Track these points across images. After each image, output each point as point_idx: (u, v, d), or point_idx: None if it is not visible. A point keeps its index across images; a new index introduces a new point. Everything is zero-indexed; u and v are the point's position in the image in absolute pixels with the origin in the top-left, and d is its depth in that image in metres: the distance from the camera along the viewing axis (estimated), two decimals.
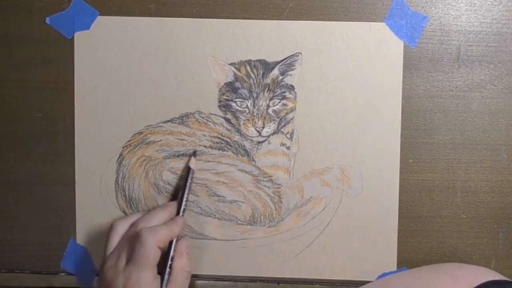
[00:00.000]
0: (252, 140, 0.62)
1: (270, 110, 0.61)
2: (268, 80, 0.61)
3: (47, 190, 0.64)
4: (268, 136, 0.62)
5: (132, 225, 0.57)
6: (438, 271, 0.57)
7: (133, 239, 0.55)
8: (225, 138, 0.62)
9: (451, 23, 0.60)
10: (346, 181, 0.62)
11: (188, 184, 0.60)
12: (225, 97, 0.62)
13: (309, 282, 0.63)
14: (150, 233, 0.54)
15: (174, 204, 0.59)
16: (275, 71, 0.61)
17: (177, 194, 0.62)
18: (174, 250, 0.57)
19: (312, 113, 0.61)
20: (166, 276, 0.56)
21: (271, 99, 0.61)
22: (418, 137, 0.61)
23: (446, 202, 0.62)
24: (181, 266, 0.56)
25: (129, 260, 0.54)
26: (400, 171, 0.61)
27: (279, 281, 0.63)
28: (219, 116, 0.62)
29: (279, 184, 0.62)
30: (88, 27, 0.62)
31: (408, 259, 0.62)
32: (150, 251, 0.54)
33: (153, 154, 0.63)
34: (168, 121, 0.62)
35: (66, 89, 0.63)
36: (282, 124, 0.62)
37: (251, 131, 0.62)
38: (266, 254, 0.63)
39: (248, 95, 0.61)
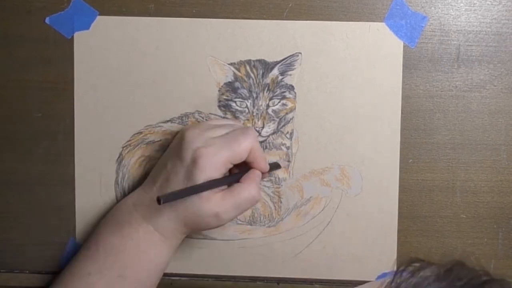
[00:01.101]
0: None
1: (269, 110, 0.61)
2: (268, 80, 0.61)
3: (47, 190, 0.64)
4: (268, 136, 0.62)
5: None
6: None
7: (238, 129, 0.56)
8: None
9: (450, 23, 0.60)
10: (346, 181, 0.62)
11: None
12: (224, 97, 0.62)
13: (309, 282, 0.63)
14: (255, 136, 0.55)
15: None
16: (275, 71, 0.61)
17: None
18: (248, 173, 0.56)
19: (312, 113, 0.61)
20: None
21: (270, 99, 0.61)
22: (418, 137, 0.61)
23: (445, 202, 0.62)
24: (251, 189, 0.55)
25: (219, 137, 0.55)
26: (400, 171, 0.61)
27: (278, 281, 0.63)
28: (219, 116, 0.62)
29: (278, 184, 0.62)
30: (87, 27, 0.62)
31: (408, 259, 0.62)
32: (244, 144, 0.54)
33: (153, 154, 0.63)
34: (168, 121, 0.62)
35: (66, 89, 0.63)
36: (282, 124, 0.62)
37: None
38: (266, 254, 0.63)
39: (247, 95, 0.61)
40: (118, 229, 0.57)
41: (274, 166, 0.61)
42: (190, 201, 0.53)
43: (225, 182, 0.55)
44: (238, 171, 0.57)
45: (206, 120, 0.62)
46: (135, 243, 0.56)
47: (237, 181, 0.56)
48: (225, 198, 0.54)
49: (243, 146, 0.54)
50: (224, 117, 0.62)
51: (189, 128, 0.56)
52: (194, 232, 0.60)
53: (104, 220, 0.60)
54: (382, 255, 0.62)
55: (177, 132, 0.60)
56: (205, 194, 0.53)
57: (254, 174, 0.56)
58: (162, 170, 0.56)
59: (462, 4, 0.60)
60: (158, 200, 0.50)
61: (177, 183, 0.54)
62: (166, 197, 0.51)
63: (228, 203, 0.54)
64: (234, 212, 0.55)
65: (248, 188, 0.55)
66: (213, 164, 0.53)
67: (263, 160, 0.57)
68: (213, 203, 0.53)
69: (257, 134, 0.56)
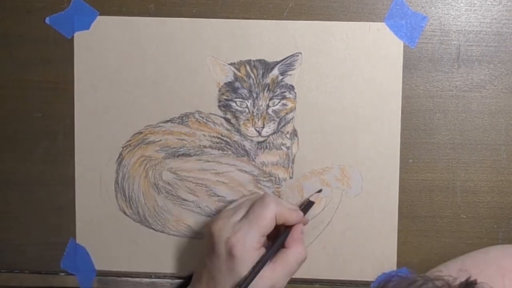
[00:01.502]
0: (252, 140, 0.62)
1: (270, 110, 0.61)
2: (268, 80, 0.61)
3: (47, 190, 0.64)
4: (268, 136, 0.62)
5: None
6: (486, 264, 0.56)
7: (255, 201, 0.56)
8: (225, 138, 0.62)
9: (451, 23, 0.60)
10: (346, 181, 0.62)
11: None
12: (225, 97, 0.62)
13: (309, 282, 0.63)
14: (275, 201, 0.55)
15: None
16: (275, 71, 0.61)
17: None
18: (290, 234, 0.57)
19: (312, 113, 0.61)
20: (270, 251, 0.55)
21: (271, 99, 0.61)
22: (418, 137, 0.61)
23: (446, 202, 0.62)
24: (297, 250, 0.56)
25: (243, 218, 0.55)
26: (400, 171, 0.61)
27: None
28: (219, 116, 0.62)
29: (279, 184, 0.62)
30: (87, 27, 0.62)
31: (408, 259, 0.62)
32: (268, 215, 0.54)
33: (153, 154, 0.63)
34: (168, 121, 0.62)
35: (66, 89, 0.63)
36: (282, 124, 0.62)
37: (251, 131, 0.62)
38: None
39: (248, 95, 0.61)
40: None
41: (308, 205, 0.61)
42: None
43: (269, 258, 0.55)
44: (277, 234, 0.57)
45: (207, 120, 0.62)
46: None
47: (282, 246, 0.57)
48: (276, 270, 0.55)
49: (268, 218, 0.55)
50: (224, 117, 0.62)
51: (213, 221, 0.56)
52: None
53: None
54: (382, 255, 0.62)
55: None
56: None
57: (296, 233, 0.57)
58: (203, 270, 0.56)
59: (462, 4, 0.60)
60: None
61: (224, 279, 0.54)
62: None
63: (280, 273, 0.55)
64: (287, 277, 0.56)
65: (295, 252, 0.56)
66: (248, 248, 0.54)
67: (292, 216, 0.57)
68: (266, 278, 0.54)
69: (275, 197, 0.57)
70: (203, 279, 0.56)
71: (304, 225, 0.59)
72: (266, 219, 0.54)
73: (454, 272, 0.54)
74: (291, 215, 0.57)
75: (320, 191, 0.61)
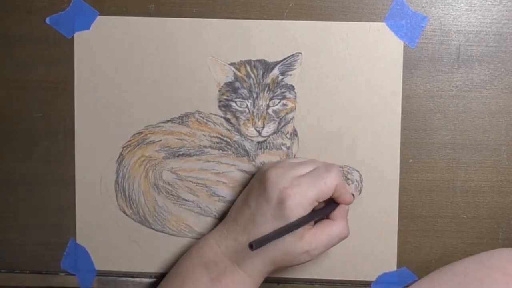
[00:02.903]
0: (252, 140, 0.62)
1: (270, 110, 0.61)
2: (268, 80, 0.61)
3: (47, 190, 0.64)
4: (268, 136, 0.62)
5: None
6: (490, 267, 0.55)
7: (321, 166, 0.56)
8: (225, 138, 0.62)
9: (451, 23, 0.60)
10: (346, 181, 0.62)
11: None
12: (225, 97, 0.62)
13: (309, 282, 0.63)
14: (340, 173, 0.55)
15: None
16: (275, 71, 0.61)
17: None
18: (337, 208, 0.57)
19: (312, 113, 0.61)
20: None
21: (271, 99, 0.61)
22: (418, 137, 0.61)
23: (446, 202, 0.62)
24: (343, 225, 0.56)
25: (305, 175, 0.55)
26: (400, 171, 0.61)
27: (279, 281, 0.63)
28: (219, 116, 0.62)
29: None
30: (88, 27, 0.62)
31: (408, 259, 0.62)
32: (331, 182, 0.54)
33: (153, 154, 0.63)
34: (168, 121, 0.62)
35: (66, 89, 0.63)
36: (282, 124, 0.62)
37: (251, 131, 0.62)
38: None
39: (248, 95, 0.61)
40: (205, 272, 0.56)
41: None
42: (282, 240, 0.53)
43: (313, 218, 0.55)
44: (324, 205, 0.57)
45: (207, 120, 0.62)
46: (223, 285, 0.55)
47: (326, 216, 0.57)
48: (317, 236, 0.55)
49: (329, 184, 0.54)
50: (224, 117, 0.62)
51: (271, 167, 0.56)
52: (281, 268, 0.59)
53: (188, 259, 0.58)
54: (382, 255, 0.62)
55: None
56: (298, 232, 0.54)
57: (344, 211, 0.57)
58: (245, 210, 0.56)
59: (462, 4, 0.60)
60: (251, 246, 0.50)
61: (265, 224, 0.54)
62: (259, 242, 0.51)
63: (320, 240, 0.55)
64: (324, 248, 0.55)
65: (339, 226, 0.56)
66: (301, 204, 0.53)
67: (348, 194, 0.57)
68: (306, 240, 0.54)
69: (340, 170, 0.57)
70: (242, 219, 0.56)
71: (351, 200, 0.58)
72: (327, 185, 0.54)
73: (460, 276, 0.54)
74: (347, 194, 0.57)
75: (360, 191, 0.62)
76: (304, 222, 0.54)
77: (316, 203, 0.55)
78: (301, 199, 0.53)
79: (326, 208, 0.57)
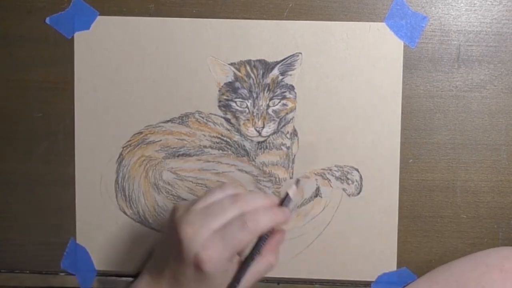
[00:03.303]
0: (252, 140, 0.62)
1: (270, 110, 0.61)
2: (268, 80, 0.61)
3: (47, 190, 0.64)
4: (268, 136, 0.62)
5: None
6: (488, 265, 0.55)
7: (234, 221, 0.50)
8: (225, 138, 0.62)
9: (451, 23, 0.60)
10: (346, 181, 0.62)
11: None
12: (225, 97, 0.62)
13: (309, 282, 0.63)
14: (255, 222, 0.50)
15: (275, 197, 0.54)
16: (275, 71, 0.61)
17: None
18: (265, 243, 0.52)
19: (312, 113, 0.61)
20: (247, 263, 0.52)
21: (271, 99, 0.61)
22: (418, 137, 0.61)
23: (446, 202, 0.62)
24: (270, 262, 0.52)
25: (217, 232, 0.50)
26: (400, 171, 0.61)
27: (279, 281, 0.63)
28: (219, 116, 0.62)
29: (279, 184, 0.62)
30: (88, 27, 0.62)
31: (408, 259, 0.62)
32: (246, 240, 0.50)
33: (153, 154, 0.63)
34: (168, 121, 0.62)
35: (66, 89, 0.63)
36: (282, 124, 0.62)
37: (251, 131, 0.62)
38: None
39: (248, 95, 0.61)
40: None
41: (287, 200, 0.54)
42: None
43: (244, 273, 0.52)
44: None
45: (207, 120, 0.62)
46: None
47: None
48: (247, 276, 0.52)
49: (244, 242, 0.50)
50: (224, 117, 0.62)
51: (181, 223, 0.50)
52: None
53: None
54: (382, 255, 0.62)
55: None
56: None
57: (273, 243, 0.53)
58: (166, 265, 0.52)
59: (462, 4, 0.60)
60: None
61: (189, 285, 0.51)
62: None
63: (250, 279, 0.52)
64: (255, 282, 0.53)
65: (267, 262, 0.53)
66: (218, 266, 0.49)
67: (279, 218, 0.51)
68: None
69: (255, 221, 0.50)
70: (165, 273, 0.53)
71: (286, 221, 0.53)
72: (243, 243, 0.50)
73: (457, 274, 0.54)
74: (277, 220, 0.51)
75: (298, 181, 0.55)
76: (236, 281, 0.51)
77: (237, 253, 0.51)
78: (216, 262, 0.49)
79: (255, 248, 0.52)
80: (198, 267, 0.49)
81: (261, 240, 0.52)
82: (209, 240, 0.49)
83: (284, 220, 0.51)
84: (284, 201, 0.53)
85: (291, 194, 0.53)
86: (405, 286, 0.62)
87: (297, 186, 0.54)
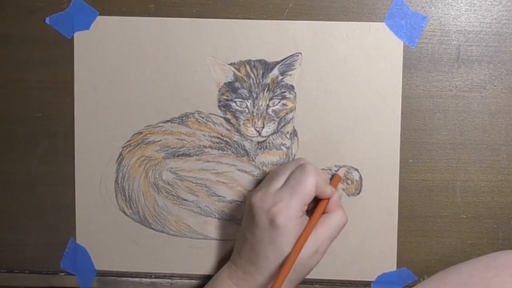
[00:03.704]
0: (251, 140, 0.62)
1: (269, 110, 0.61)
2: (268, 80, 0.61)
3: (47, 190, 0.64)
4: (268, 136, 0.62)
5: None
6: (497, 268, 0.55)
7: (295, 170, 0.55)
8: (224, 138, 0.62)
9: (450, 23, 0.60)
10: (346, 181, 0.62)
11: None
12: (224, 97, 0.62)
13: (309, 282, 0.63)
14: (315, 170, 0.55)
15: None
16: (275, 71, 0.61)
17: None
18: (330, 200, 0.56)
19: (312, 113, 0.61)
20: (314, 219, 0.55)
21: (270, 99, 0.61)
22: (417, 137, 0.61)
23: (445, 202, 0.62)
24: (339, 215, 0.56)
25: (283, 186, 0.55)
26: (400, 171, 0.61)
27: None
28: (218, 116, 0.62)
29: None
30: (87, 27, 0.62)
31: (408, 259, 0.62)
32: (309, 183, 0.54)
33: (152, 154, 0.63)
34: (168, 121, 0.62)
35: (66, 89, 0.63)
36: (282, 124, 0.62)
37: (250, 131, 0.62)
38: None
39: (247, 95, 0.61)
40: None
41: (335, 180, 0.60)
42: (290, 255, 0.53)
43: (313, 226, 0.55)
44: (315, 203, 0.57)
45: (207, 120, 0.62)
46: None
47: (323, 212, 0.57)
48: (319, 234, 0.55)
49: (309, 187, 0.54)
50: (224, 117, 0.62)
51: (252, 194, 0.56)
52: (296, 282, 0.57)
53: None
54: (382, 255, 0.62)
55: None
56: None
57: (335, 201, 0.57)
58: (244, 243, 0.56)
59: (462, 4, 0.60)
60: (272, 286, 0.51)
61: (265, 250, 0.54)
62: (277, 279, 0.51)
63: (323, 237, 0.55)
64: (330, 241, 0.56)
65: (337, 217, 0.56)
66: (290, 218, 0.53)
67: (328, 188, 0.56)
68: (310, 243, 0.54)
69: (313, 167, 0.56)
70: (243, 253, 0.56)
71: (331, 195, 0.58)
72: (308, 187, 0.54)
73: (466, 276, 0.54)
74: (327, 188, 0.56)
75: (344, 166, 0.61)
76: (303, 241, 0.54)
77: (306, 207, 0.55)
78: (288, 212, 0.53)
79: (320, 205, 0.56)
80: (272, 222, 0.53)
81: (320, 202, 0.56)
82: (278, 194, 0.54)
83: (333, 192, 0.57)
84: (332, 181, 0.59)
85: (340, 174, 0.60)
86: (410, 286, 0.61)
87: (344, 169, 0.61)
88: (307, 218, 0.55)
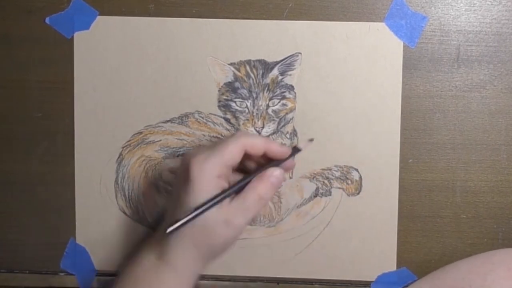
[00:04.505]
0: None
1: (269, 110, 0.61)
2: (268, 80, 0.61)
3: (47, 190, 0.64)
4: (268, 136, 0.62)
5: None
6: (494, 263, 0.55)
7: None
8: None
9: (450, 23, 0.60)
10: (346, 181, 0.62)
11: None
12: (224, 97, 0.62)
13: (309, 282, 0.63)
14: (246, 134, 0.52)
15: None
16: (275, 71, 0.61)
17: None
18: (258, 171, 0.52)
19: (312, 113, 0.61)
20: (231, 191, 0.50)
21: (270, 99, 0.61)
22: (417, 137, 0.61)
23: (445, 202, 0.62)
24: (257, 192, 0.51)
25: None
26: (400, 171, 0.61)
27: (278, 281, 0.63)
28: (218, 116, 0.62)
29: None
30: (87, 27, 0.62)
31: (408, 259, 0.62)
32: (231, 143, 0.51)
33: (152, 154, 0.63)
34: (168, 121, 0.62)
35: (66, 89, 0.63)
36: (282, 124, 0.62)
37: (250, 131, 0.62)
38: (266, 254, 0.63)
39: (247, 95, 0.61)
40: (132, 269, 0.54)
41: (294, 151, 0.54)
42: (198, 218, 0.49)
43: (230, 192, 0.51)
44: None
45: (206, 120, 0.62)
46: (146, 283, 0.52)
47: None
48: (232, 203, 0.50)
49: (230, 146, 0.50)
50: (224, 117, 0.62)
51: (189, 151, 0.54)
52: (209, 258, 0.52)
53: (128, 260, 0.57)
54: (382, 255, 0.62)
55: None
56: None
57: (266, 173, 0.51)
58: (169, 200, 0.55)
59: (462, 4, 0.60)
60: (165, 230, 0.48)
61: (181, 206, 0.50)
62: (172, 223, 0.48)
63: (234, 206, 0.50)
64: (243, 215, 0.50)
65: (254, 189, 0.51)
66: (205, 172, 0.50)
67: (274, 144, 0.52)
68: (221, 212, 0.50)
69: (244, 132, 0.53)
70: (168, 207, 0.54)
71: (288, 171, 0.55)
72: (229, 147, 0.50)
73: (464, 272, 0.55)
74: (271, 145, 0.52)
75: (311, 140, 0.57)
76: (219, 197, 0.50)
77: (228, 170, 0.51)
78: (204, 165, 0.49)
79: (249, 176, 0.52)
80: (187, 172, 0.50)
81: (255, 171, 0.52)
82: (201, 149, 0.51)
83: (282, 151, 0.52)
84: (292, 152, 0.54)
85: (302, 146, 0.55)
86: (408, 285, 0.62)
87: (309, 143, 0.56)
88: (226, 186, 0.51)
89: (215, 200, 0.50)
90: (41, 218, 0.64)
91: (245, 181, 0.51)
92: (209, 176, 0.50)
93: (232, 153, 0.51)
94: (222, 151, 0.50)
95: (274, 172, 0.52)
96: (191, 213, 0.49)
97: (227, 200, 0.50)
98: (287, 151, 0.53)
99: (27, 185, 0.64)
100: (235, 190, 0.51)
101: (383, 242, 0.62)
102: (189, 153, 0.52)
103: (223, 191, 0.50)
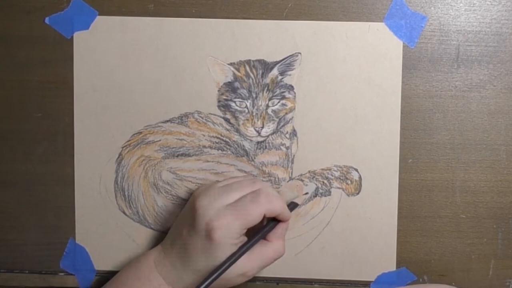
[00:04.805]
0: (251, 140, 0.62)
1: (269, 110, 0.61)
2: (267, 80, 0.61)
3: (46, 190, 0.64)
4: (267, 136, 0.62)
5: None
6: None
7: (248, 195, 0.55)
8: (224, 138, 0.62)
9: (450, 23, 0.60)
10: (345, 181, 0.62)
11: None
12: (224, 97, 0.62)
13: (308, 282, 0.63)
14: (267, 199, 0.55)
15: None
16: (274, 71, 0.61)
17: None
18: (273, 229, 0.57)
19: (311, 113, 0.61)
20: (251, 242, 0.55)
21: (270, 99, 0.61)
22: (417, 137, 0.61)
23: (445, 202, 0.62)
24: (277, 247, 0.57)
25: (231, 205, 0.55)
26: (400, 171, 0.61)
27: (278, 281, 0.63)
28: (218, 116, 0.62)
29: (278, 184, 0.62)
30: (87, 27, 0.62)
31: (408, 259, 0.62)
32: (256, 213, 0.54)
33: (152, 154, 0.63)
34: (167, 121, 0.62)
35: (66, 89, 0.63)
36: (282, 124, 0.62)
37: (250, 131, 0.62)
38: None
39: (247, 95, 0.61)
40: (137, 285, 0.56)
41: (293, 206, 0.60)
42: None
43: (247, 249, 0.55)
44: (263, 224, 0.57)
45: (206, 120, 0.62)
46: None
47: (263, 238, 0.57)
48: (252, 259, 0.55)
49: (254, 215, 0.54)
50: (223, 117, 0.62)
51: (200, 195, 0.56)
52: None
53: (125, 271, 0.59)
54: (382, 255, 0.62)
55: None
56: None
57: (280, 231, 0.57)
58: (179, 236, 0.56)
59: (461, 4, 0.60)
60: None
61: (196, 255, 0.54)
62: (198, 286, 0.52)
63: (254, 263, 0.55)
64: (260, 269, 0.56)
65: (274, 248, 0.57)
66: (226, 237, 0.53)
67: (284, 213, 0.57)
68: (240, 266, 0.54)
69: (268, 193, 0.55)
70: (176, 246, 0.56)
71: (287, 220, 0.58)
72: (254, 216, 0.54)
73: None
74: (283, 214, 0.56)
75: (306, 194, 0.62)
76: (236, 258, 0.54)
77: (244, 231, 0.55)
78: (226, 232, 0.53)
79: (263, 231, 0.56)
80: (208, 235, 0.53)
81: (267, 226, 0.57)
82: (222, 210, 0.54)
83: (288, 217, 0.57)
84: (291, 207, 0.60)
85: (299, 202, 0.61)
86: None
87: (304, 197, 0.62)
88: (245, 238, 0.55)
89: (236, 257, 0.54)
90: (40, 218, 0.64)
91: (258, 236, 0.56)
92: (231, 242, 0.54)
93: (254, 222, 0.55)
94: (246, 219, 0.54)
95: (284, 226, 0.58)
96: (216, 271, 0.53)
97: (245, 255, 0.55)
98: (288, 217, 0.58)
99: (26, 185, 0.64)
100: (251, 245, 0.55)
101: (382, 242, 0.62)
102: (205, 206, 0.55)
103: (241, 246, 0.54)
